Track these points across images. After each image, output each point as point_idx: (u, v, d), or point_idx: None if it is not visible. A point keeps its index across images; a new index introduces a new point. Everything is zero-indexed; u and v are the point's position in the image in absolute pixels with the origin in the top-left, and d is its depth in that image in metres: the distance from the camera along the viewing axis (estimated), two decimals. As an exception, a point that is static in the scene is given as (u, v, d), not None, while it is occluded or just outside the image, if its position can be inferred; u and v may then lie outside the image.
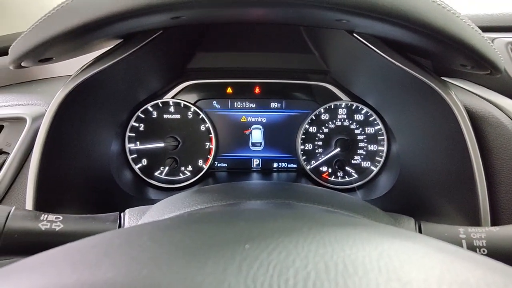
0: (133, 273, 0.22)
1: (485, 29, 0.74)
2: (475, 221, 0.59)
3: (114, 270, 0.22)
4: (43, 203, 0.60)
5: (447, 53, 0.54)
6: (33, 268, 0.24)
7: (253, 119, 0.93)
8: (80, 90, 0.63)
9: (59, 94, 0.62)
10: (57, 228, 0.46)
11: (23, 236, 0.44)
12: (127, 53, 0.64)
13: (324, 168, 0.93)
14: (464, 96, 0.69)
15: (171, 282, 0.20)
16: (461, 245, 0.44)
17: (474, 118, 0.65)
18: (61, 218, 0.47)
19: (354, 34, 0.65)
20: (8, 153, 0.67)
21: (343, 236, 0.26)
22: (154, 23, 0.60)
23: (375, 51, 0.64)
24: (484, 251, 0.43)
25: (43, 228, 0.45)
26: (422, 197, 0.73)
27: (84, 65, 0.65)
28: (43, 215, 0.46)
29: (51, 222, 0.46)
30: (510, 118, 0.63)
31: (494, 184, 0.61)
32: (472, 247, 0.43)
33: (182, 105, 0.90)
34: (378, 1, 0.43)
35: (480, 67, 0.55)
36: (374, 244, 0.25)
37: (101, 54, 0.65)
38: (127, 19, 0.48)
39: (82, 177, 0.72)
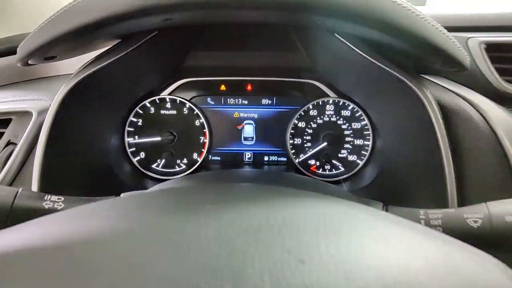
0: (123, 228, 0.27)
1: (460, 29, 0.78)
2: (444, 207, 0.63)
3: (101, 227, 0.27)
4: (47, 189, 0.66)
5: (415, 51, 0.58)
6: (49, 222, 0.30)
7: (245, 115, 0.98)
8: (81, 86, 0.69)
9: (62, 90, 0.68)
10: (59, 207, 0.51)
11: (28, 214, 0.49)
12: (124, 53, 0.69)
13: (312, 162, 0.98)
14: (439, 92, 0.74)
15: (154, 231, 0.26)
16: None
17: (447, 112, 0.69)
18: (63, 198, 0.52)
19: (336, 34, 0.70)
20: (16, 144, 0.73)
21: (294, 201, 0.31)
22: (149, 25, 0.65)
23: (354, 50, 0.68)
24: (439, 229, 0.47)
25: (46, 207, 0.51)
26: (400, 187, 0.77)
27: (85, 64, 0.70)
28: (46, 195, 0.52)
29: (53, 202, 0.51)
30: (479, 112, 0.67)
31: (462, 172, 0.65)
32: (429, 226, 0.48)
33: (178, 102, 0.96)
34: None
35: (447, 65, 0.60)
36: (317, 207, 0.30)
37: (100, 53, 0.71)
38: (124, 21, 0.54)
39: (83, 169, 0.77)
